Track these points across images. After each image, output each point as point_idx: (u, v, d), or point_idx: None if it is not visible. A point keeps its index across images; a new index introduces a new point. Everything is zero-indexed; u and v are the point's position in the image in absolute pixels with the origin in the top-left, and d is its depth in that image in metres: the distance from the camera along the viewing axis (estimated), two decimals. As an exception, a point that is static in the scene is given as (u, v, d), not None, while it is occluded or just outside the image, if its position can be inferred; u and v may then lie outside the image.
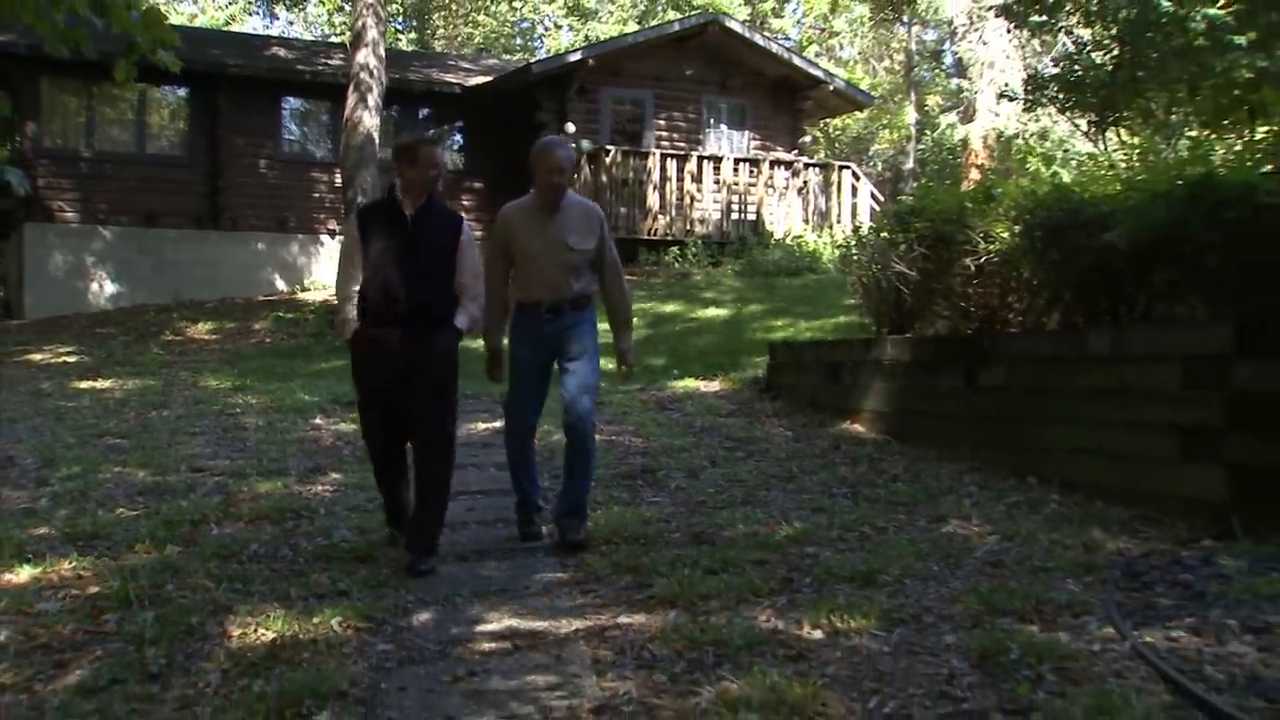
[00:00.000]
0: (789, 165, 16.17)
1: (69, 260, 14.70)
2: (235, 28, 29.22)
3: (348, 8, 20.66)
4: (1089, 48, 10.35)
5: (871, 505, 4.73)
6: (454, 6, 31.77)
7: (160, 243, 15.13)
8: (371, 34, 12.64)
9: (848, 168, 16.71)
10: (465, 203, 16.36)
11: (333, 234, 15.76)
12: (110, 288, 14.91)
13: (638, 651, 3.00)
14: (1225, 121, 8.40)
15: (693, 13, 22.90)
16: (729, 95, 17.32)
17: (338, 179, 14.06)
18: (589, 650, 3.04)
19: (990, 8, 13.87)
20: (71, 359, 10.98)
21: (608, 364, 4.77)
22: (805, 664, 2.83)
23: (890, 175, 30.81)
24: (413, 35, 31.68)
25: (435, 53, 26.35)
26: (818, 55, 28.14)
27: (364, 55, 12.55)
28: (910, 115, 29.48)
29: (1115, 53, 9.93)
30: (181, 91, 15.58)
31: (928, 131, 30.42)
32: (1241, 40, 8.06)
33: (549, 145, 4.31)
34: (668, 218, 15.24)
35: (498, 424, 5.06)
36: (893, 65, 30.86)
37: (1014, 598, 3.25)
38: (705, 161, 15.61)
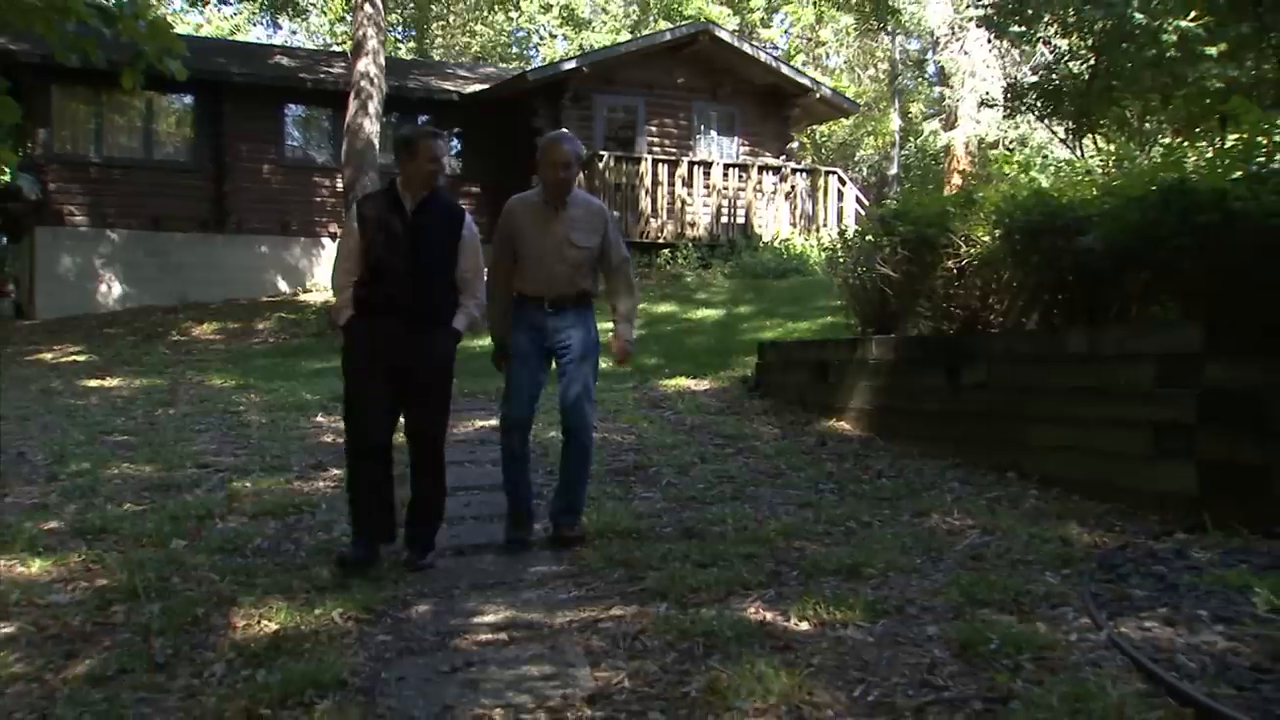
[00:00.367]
0: (777, 170, 16.30)
1: (78, 262, 14.80)
2: (240, 37, 29.24)
3: (349, 18, 20.68)
4: (1066, 58, 10.51)
5: (857, 500, 4.79)
6: (452, 17, 31.84)
7: (167, 246, 15.23)
8: (372, 43, 12.73)
9: (834, 173, 16.93)
10: (462, 206, 16.40)
11: (334, 237, 15.81)
12: (118, 289, 15.00)
13: (630, 642, 3.02)
14: (1197, 129, 8.55)
15: (684, 23, 22.98)
16: (719, 102, 17.43)
17: (339, 184, 14.14)
18: (583, 641, 3.07)
19: (971, 18, 14.05)
20: (81, 358, 11.01)
21: (606, 364, 4.76)
22: (793, 654, 2.86)
23: (875, 180, 30.95)
24: (412, 44, 31.71)
25: (434, 61, 26.42)
26: (805, 64, 28.23)
27: (365, 64, 12.65)
28: (894, 122, 29.63)
29: (1091, 62, 10.11)
30: (188, 99, 15.71)
31: (911, 138, 30.62)
32: (1212, 51, 8.23)
33: (556, 139, 4.23)
34: (660, 221, 15.33)
35: (494, 421, 5.09)
36: (877, 74, 31.00)
37: (994, 590, 3.29)
38: (696, 167, 15.70)
